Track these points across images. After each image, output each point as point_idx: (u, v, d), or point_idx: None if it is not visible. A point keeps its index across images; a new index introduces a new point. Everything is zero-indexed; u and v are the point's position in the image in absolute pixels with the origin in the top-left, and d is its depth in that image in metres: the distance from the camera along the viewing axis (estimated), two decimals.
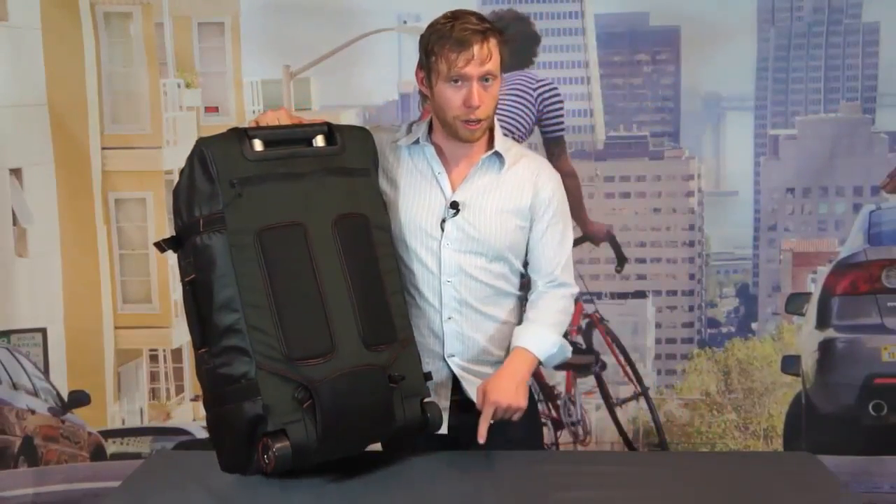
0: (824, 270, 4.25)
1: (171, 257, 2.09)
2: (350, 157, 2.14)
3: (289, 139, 2.10)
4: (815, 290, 4.26)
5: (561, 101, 4.12)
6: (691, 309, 4.54)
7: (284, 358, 1.95)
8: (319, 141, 2.13)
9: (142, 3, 4.28)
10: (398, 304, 2.16)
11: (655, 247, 4.47)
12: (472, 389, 2.30)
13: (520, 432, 2.34)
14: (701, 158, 4.50)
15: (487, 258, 2.28)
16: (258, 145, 2.04)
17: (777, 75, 4.37)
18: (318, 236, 2.03)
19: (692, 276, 4.51)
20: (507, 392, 2.21)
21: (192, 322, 2.01)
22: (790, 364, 4.28)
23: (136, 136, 4.31)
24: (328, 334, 2.00)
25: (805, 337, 4.27)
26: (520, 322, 2.37)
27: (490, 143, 2.31)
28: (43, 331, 4.19)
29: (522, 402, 2.22)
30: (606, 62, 4.36)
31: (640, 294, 4.46)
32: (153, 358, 4.53)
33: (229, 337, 1.95)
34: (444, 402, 2.30)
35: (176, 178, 2.08)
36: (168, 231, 4.26)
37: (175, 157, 4.35)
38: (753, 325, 4.50)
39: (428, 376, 2.20)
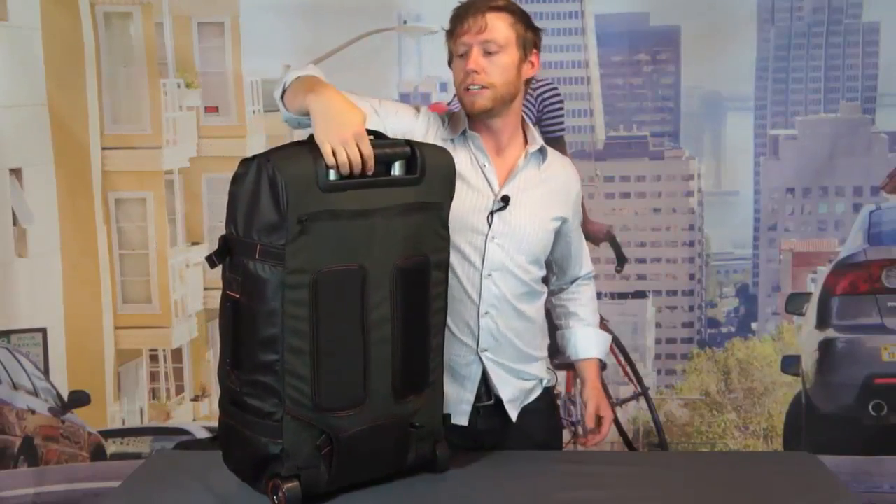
0: (824, 270, 4.25)
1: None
2: (427, 189, 2.00)
3: None
4: (815, 290, 4.26)
5: (561, 101, 4.11)
6: (691, 309, 4.55)
7: (314, 406, 1.90)
8: (398, 168, 1.99)
9: (142, 3, 4.28)
10: (437, 346, 2.10)
11: (655, 247, 4.47)
12: (500, 385, 2.32)
13: (544, 434, 2.42)
14: (701, 158, 4.51)
15: (527, 257, 2.29)
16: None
17: (777, 75, 4.38)
18: (375, 281, 1.94)
19: (692, 276, 4.51)
20: (608, 408, 2.52)
21: (225, 335, 1.96)
22: (790, 364, 4.28)
23: (136, 136, 4.31)
24: (363, 386, 1.95)
25: (805, 337, 4.27)
26: (544, 321, 2.40)
27: (525, 138, 2.32)
28: (43, 331, 4.19)
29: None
30: (606, 62, 4.36)
31: (640, 294, 4.47)
32: (153, 358, 4.53)
33: (264, 373, 1.89)
34: (469, 396, 2.31)
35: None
36: (168, 231, 4.28)
37: (175, 157, 4.35)
38: (753, 325, 4.50)
39: (447, 419, 2.16)
